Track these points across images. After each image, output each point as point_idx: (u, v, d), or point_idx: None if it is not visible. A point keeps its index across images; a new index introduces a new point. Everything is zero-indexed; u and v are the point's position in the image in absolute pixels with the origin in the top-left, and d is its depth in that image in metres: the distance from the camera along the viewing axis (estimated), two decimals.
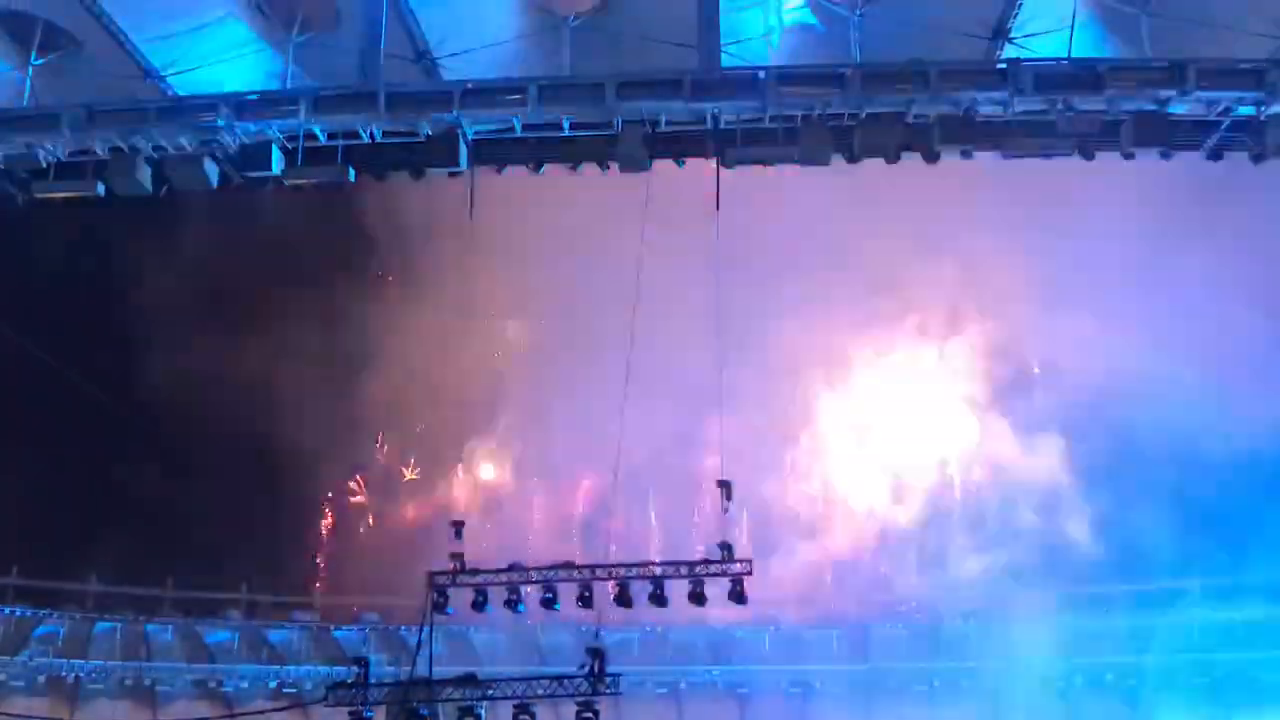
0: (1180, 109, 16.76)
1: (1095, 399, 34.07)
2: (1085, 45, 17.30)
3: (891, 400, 38.98)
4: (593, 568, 21.98)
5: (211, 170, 17.47)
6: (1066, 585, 32.58)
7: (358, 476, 40.93)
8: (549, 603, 21.99)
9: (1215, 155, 17.42)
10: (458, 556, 21.19)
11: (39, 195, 17.77)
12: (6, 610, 31.50)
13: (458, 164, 17.49)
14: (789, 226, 36.36)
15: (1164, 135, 17.14)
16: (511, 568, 21.95)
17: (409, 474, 40.76)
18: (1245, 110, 16.75)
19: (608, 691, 21.78)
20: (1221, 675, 30.78)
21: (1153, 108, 16.71)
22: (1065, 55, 17.02)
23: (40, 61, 17.89)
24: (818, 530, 38.25)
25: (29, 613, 31.78)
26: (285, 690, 32.68)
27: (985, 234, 35.96)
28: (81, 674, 31.76)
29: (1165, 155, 17.46)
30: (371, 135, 17.46)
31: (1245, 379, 31.96)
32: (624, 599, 21.76)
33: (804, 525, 38.28)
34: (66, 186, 17.65)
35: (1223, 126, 17.01)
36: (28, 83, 17.79)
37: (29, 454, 33.73)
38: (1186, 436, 31.76)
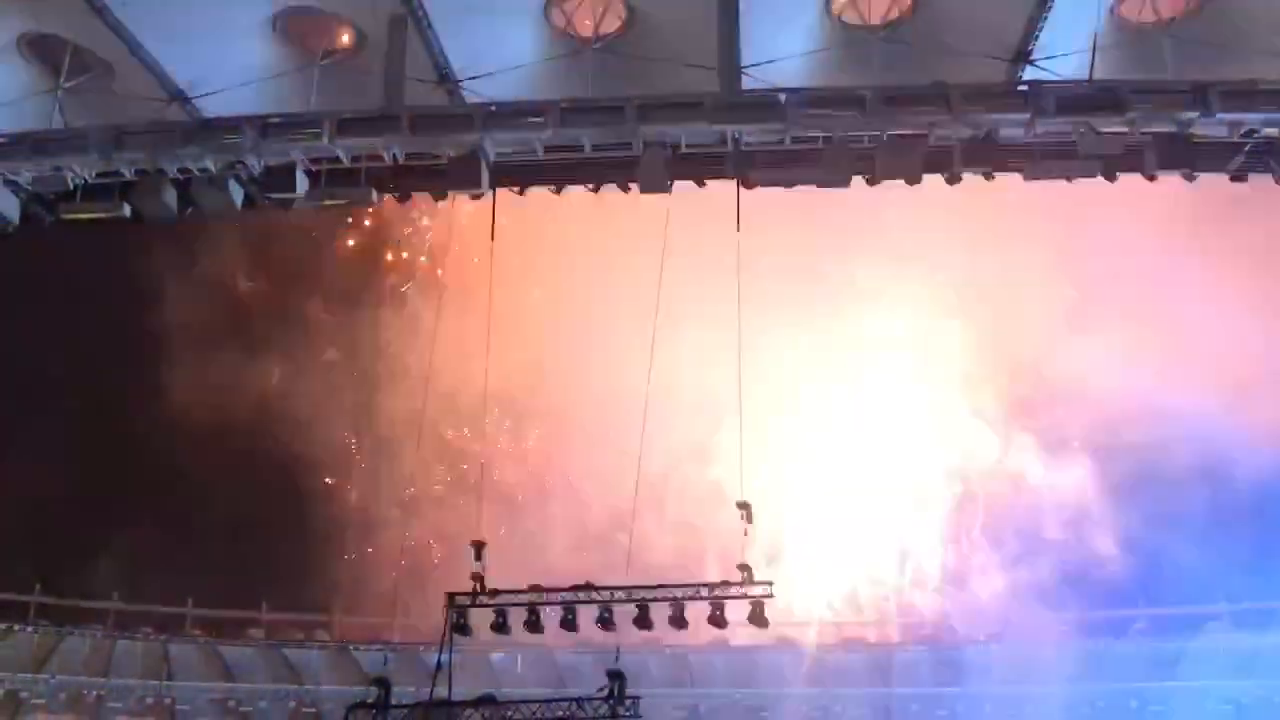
0: (1203, 131, 16.66)
1: (1121, 417, 33.89)
2: (1107, 67, 17.26)
3: (912, 416, 38.93)
4: (612, 589, 21.93)
5: (236, 192, 17.61)
6: (1091, 608, 32.33)
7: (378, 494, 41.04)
8: (569, 624, 21.90)
9: (1239, 177, 17.33)
10: (478, 577, 21.16)
11: (66, 216, 17.95)
12: (29, 628, 31.71)
13: (479, 186, 17.58)
14: (806, 239, 36.51)
15: (1187, 157, 17.07)
16: (531, 589, 21.91)
17: (430, 491, 40.85)
18: (1270, 131, 16.65)
19: (627, 714, 21.71)
20: (1249, 703, 30.43)
21: (1175, 130, 16.63)
22: (1087, 77, 16.98)
23: (70, 84, 18.13)
24: (836, 548, 38.15)
25: (50, 630, 31.98)
26: (305, 710, 32.73)
27: (1007, 250, 36.01)
28: (102, 692, 31.90)
29: (1189, 177, 17.38)
30: (394, 157, 17.57)
31: (1274, 397, 31.72)
32: (644, 621, 21.68)
33: (823, 543, 38.20)
34: (93, 208, 17.83)
35: (1246, 148, 16.91)
36: (57, 105, 18.01)
37: (49, 471, 33.98)
38: (1214, 457, 31.55)
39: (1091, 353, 35.23)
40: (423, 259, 41.09)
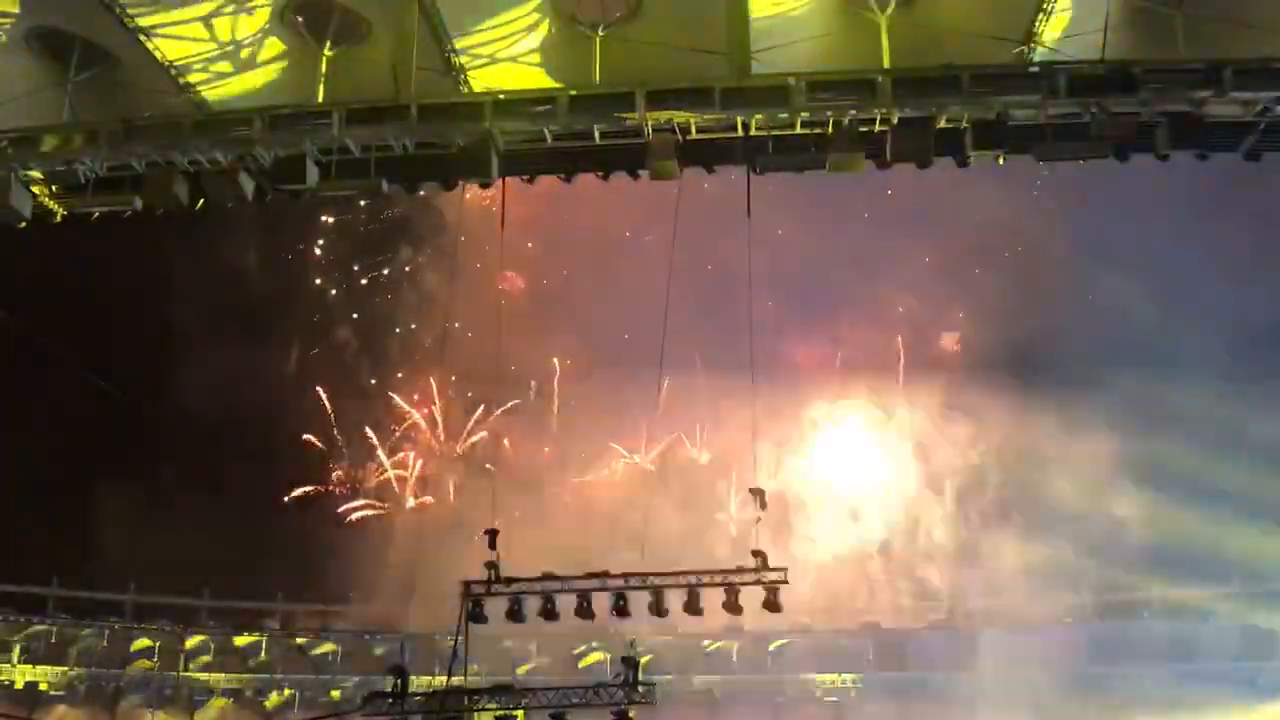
0: (1217, 110, 16.52)
1: (1135, 397, 33.82)
2: (1119, 47, 17.13)
3: (928, 396, 38.98)
4: (626, 576, 21.88)
5: (246, 183, 17.60)
6: (1106, 590, 32.30)
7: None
8: (584, 611, 21.87)
9: (1253, 156, 17.17)
10: (492, 565, 21.13)
11: (77, 210, 17.97)
12: (48, 621, 31.95)
13: (489, 174, 17.53)
14: (820, 223, 36.57)
15: (1200, 137, 16.91)
16: (545, 577, 21.87)
17: (446, 475, 41.00)
18: None
19: (642, 700, 21.69)
20: (1265, 685, 30.39)
21: (1188, 109, 16.49)
22: (1098, 58, 16.86)
23: (79, 78, 18.13)
24: (852, 526, 38.23)
25: (69, 623, 32.21)
26: (321, 700, 32.89)
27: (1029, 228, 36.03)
28: (120, 683, 32.12)
29: (1202, 157, 17.23)
30: (404, 147, 17.54)
31: None
32: (658, 608, 21.64)
33: (837, 521, 38.29)
34: (104, 201, 17.85)
35: (1261, 127, 16.76)
36: (66, 99, 18.01)
37: (65, 467, 34.13)
38: (1230, 433, 31.50)
39: (1106, 329, 35.25)
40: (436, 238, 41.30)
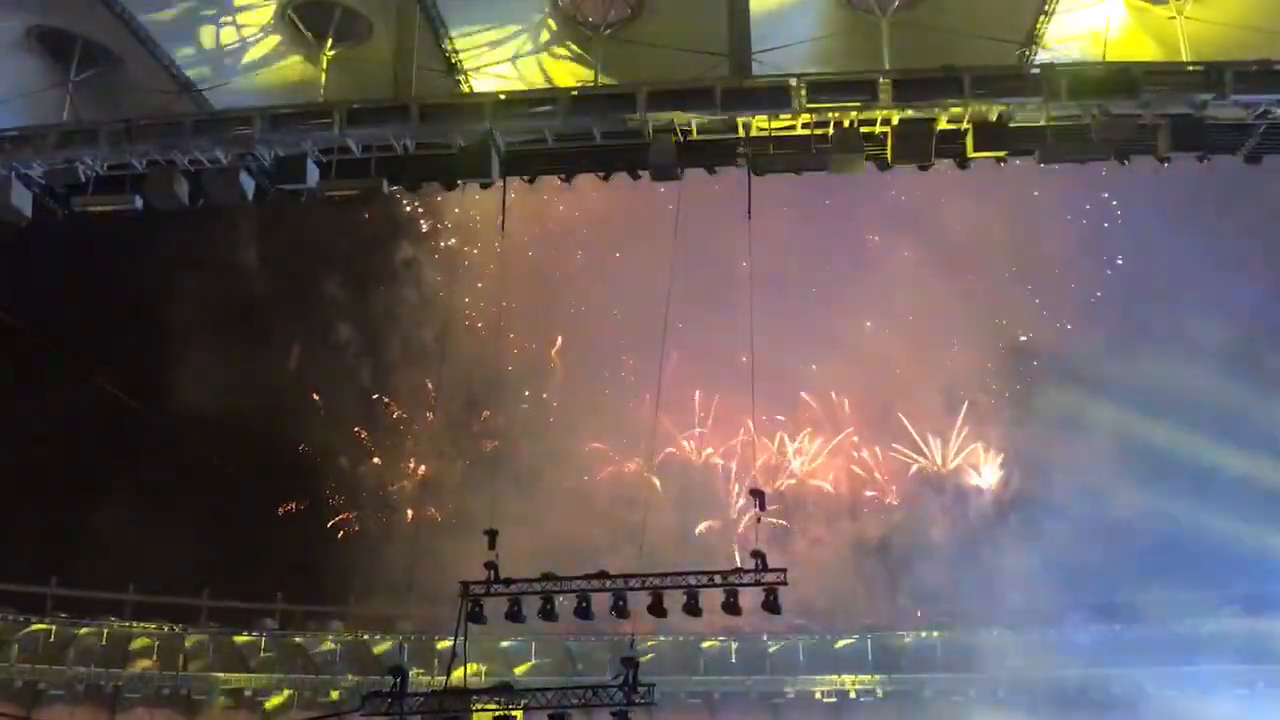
0: (1217, 112, 16.53)
1: (1136, 395, 33.87)
2: (1120, 49, 17.16)
3: (927, 395, 39.07)
4: (626, 577, 21.86)
5: (247, 183, 17.61)
6: (1106, 592, 32.30)
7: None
8: (583, 612, 21.87)
9: (1253, 158, 17.19)
10: (492, 566, 21.12)
11: (78, 209, 17.99)
12: (47, 620, 31.95)
13: (490, 174, 17.54)
14: (819, 218, 36.67)
15: (1201, 139, 16.92)
16: (545, 577, 21.85)
17: (444, 473, 40.99)
18: None
19: (641, 701, 21.67)
20: (1262, 686, 30.40)
21: (1189, 111, 16.51)
22: (1099, 60, 16.88)
23: (80, 77, 18.14)
24: (847, 524, 38.28)
25: (68, 622, 32.21)
26: (320, 700, 32.88)
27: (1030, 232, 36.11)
28: (120, 683, 32.13)
29: (1202, 159, 17.24)
30: (405, 147, 17.54)
31: None
32: (658, 608, 21.63)
33: (832, 520, 38.34)
34: (105, 200, 17.86)
35: (1261, 130, 16.78)
36: (68, 98, 18.03)
37: (65, 467, 34.12)
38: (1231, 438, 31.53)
39: (1108, 328, 35.32)
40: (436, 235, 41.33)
